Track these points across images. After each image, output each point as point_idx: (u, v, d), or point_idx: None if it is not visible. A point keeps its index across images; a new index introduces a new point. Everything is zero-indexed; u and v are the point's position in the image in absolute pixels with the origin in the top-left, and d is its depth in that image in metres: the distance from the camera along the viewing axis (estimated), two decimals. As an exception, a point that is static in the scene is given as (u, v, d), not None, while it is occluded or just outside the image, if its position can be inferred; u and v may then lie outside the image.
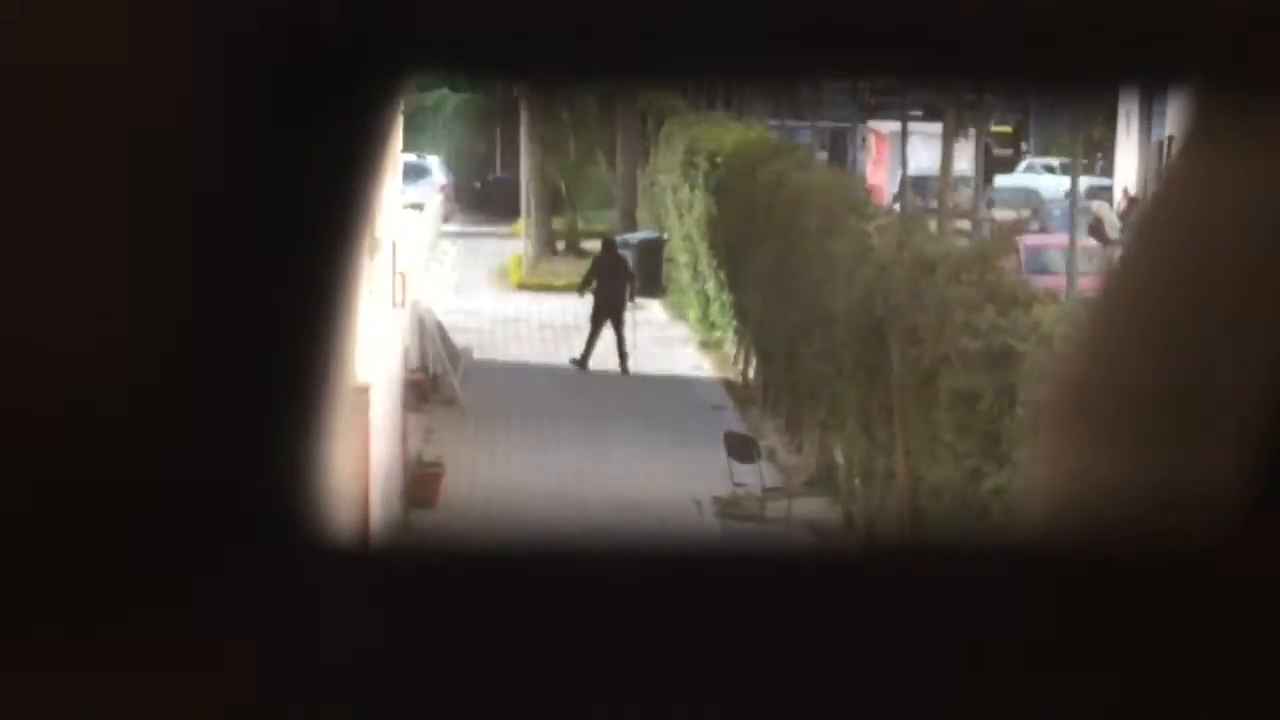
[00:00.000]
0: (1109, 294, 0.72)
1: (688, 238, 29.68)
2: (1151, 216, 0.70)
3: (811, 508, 18.24)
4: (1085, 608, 0.56)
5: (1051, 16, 0.53)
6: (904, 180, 27.58)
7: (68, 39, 0.50)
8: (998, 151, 34.82)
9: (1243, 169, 0.61)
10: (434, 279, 29.79)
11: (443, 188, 39.82)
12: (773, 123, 30.90)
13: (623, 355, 25.46)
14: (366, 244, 0.62)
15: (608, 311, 25.76)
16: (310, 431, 0.58)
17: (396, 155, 21.15)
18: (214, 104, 0.52)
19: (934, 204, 21.89)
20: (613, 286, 25.99)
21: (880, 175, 35.63)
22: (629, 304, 26.02)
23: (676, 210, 31.02)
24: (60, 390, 0.52)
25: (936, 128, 26.36)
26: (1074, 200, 23.16)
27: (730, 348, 25.80)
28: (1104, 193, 34.93)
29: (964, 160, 31.78)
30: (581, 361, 25.70)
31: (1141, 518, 0.63)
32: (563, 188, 36.03)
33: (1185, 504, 0.61)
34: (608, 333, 25.85)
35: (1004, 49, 0.55)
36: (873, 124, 36.29)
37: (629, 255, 30.87)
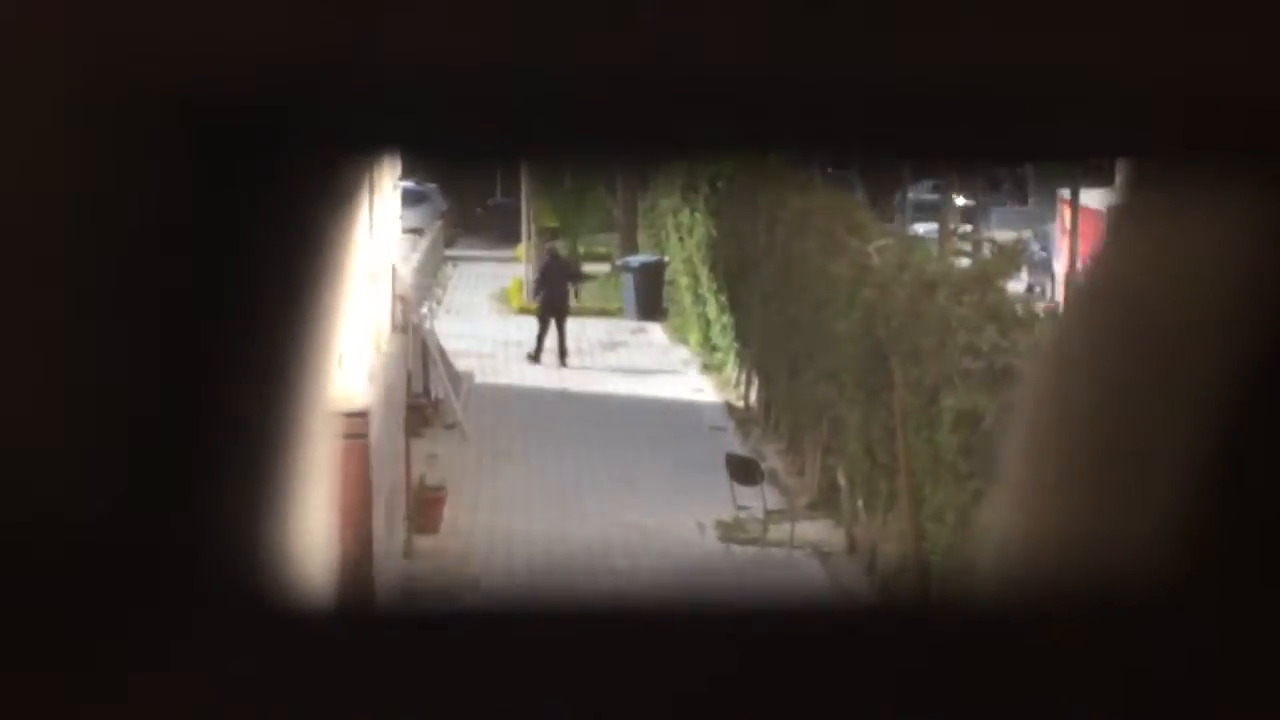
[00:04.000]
0: (1058, 347, 0.72)
1: (688, 261, 29.70)
2: (1095, 276, 0.70)
3: (814, 530, 18.20)
4: (1029, 655, 0.56)
5: (992, 94, 0.52)
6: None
7: None
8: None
9: (1182, 230, 0.61)
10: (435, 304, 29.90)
11: (442, 213, 39.89)
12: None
13: (563, 351, 28.36)
14: (333, 301, 0.60)
15: (551, 310, 28.98)
16: (261, 489, 0.56)
17: (394, 182, 21.15)
18: (166, 158, 0.50)
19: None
20: (555, 289, 29.33)
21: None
22: (572, 302, 29.66)
23: (677, 233, 31.03)
24: None
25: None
26: (1075, 219, 23.13)
27: (731, 370, 25.79)
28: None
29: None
30: (535, 355, 28.42)
31: (1085, 568, 0.63)
32: (558, 216, 36.02)
33: (1128, 555, 0.61)
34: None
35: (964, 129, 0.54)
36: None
37: (630, 278, 31.80)
